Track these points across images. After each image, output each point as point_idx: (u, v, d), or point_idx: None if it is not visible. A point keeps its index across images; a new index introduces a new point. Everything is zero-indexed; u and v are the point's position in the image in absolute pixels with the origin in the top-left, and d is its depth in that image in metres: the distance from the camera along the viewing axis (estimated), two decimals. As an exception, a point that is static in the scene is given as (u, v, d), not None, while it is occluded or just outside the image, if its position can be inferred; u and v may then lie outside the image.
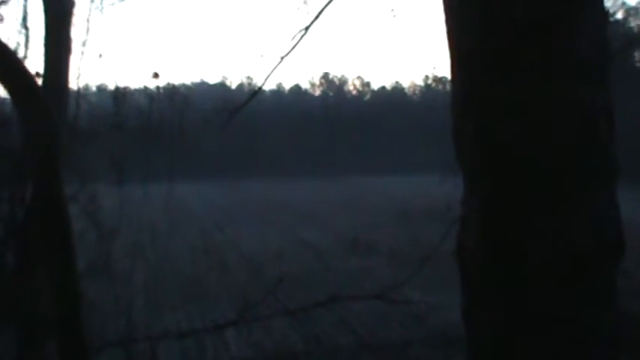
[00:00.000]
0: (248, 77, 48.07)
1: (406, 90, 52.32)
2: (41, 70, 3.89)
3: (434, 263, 5.37)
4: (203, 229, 15.68)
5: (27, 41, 3.76)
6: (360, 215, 17.83)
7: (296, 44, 3.31)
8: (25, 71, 2.74)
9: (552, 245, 1.16)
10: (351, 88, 51.58)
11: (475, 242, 1.22)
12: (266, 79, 3.81)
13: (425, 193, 22.86)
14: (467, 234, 1.26)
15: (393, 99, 49.82)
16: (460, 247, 1.27)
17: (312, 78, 53.11)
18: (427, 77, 50.73)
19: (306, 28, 3.32)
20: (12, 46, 3.57)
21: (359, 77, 53.15)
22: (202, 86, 46.81)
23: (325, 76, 51.17)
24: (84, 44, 4.20)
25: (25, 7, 3.86)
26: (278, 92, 50.10)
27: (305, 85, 51.52)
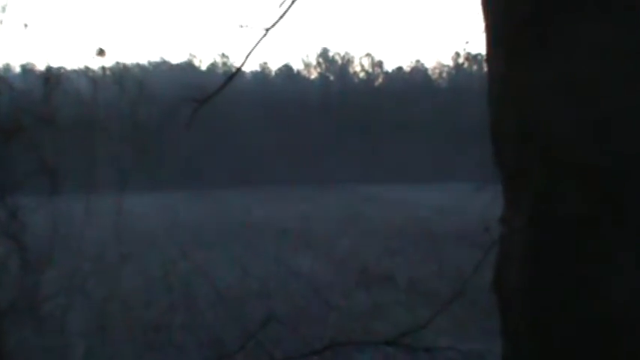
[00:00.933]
0: (222, 55, 48.41)
1: (430, 72, 52.46)
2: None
3: (466, 300, 5.35)
4: (164, 255, 15.74)
5: None
6: (369, 237, 18.06)
7: (285, 11, 3.20)
8: None
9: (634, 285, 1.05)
10: (358, 69, 51.73)
11: (518, 273, 1.16)
12: (246, 57, 3.62)
13: (454, 208, 23.48)
14: (508, 262, 1.20)
15: (412, 84, 49.99)
16: (499, 279, 1.21)
17: (307, 56, 52.58)
18: (457, 55, 50.74)
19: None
20: None
21: (368, 55, 52.33)
22: (162, 67, 47.12)
23: (324, 53, 50.97)
24: (3, 10, 4.08)
25: None
26: (262, 75, 50.18)
27: (297, 66, 51.65)
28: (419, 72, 52.69)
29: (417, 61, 53.28)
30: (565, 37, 1.16)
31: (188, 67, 47.82)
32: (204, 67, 48.45)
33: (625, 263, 1.09)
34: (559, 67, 1.18)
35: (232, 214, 25.47)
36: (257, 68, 50.18)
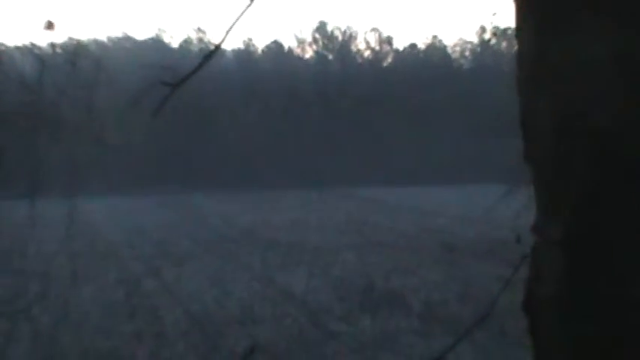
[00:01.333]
0: (198, 30, 48.72)
1: (449, 50, 52.32)
2: None
3: (492, 324, 5.38)
4: (127, 272, 15.76)
5: None
6: (375, 250, 18.18)
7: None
8: None
9: None
10: (362, 47, 51.53)
11: (554, 293, 1.15)
12: (227, 33, 3.61)
13: (478, 216, 23.73)
14: (542, 279, 1.18)
15: (428, 65, 49.96)
16: (531, 299, 1.19)
17: (301, 32, 53.26)
18: (483, 30, 50.97)
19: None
20: None
21: (374, 30, 52.59)
22: (125, 44, 47.11)
23: (321, 28, 51.02)
24: None
25: None
26: (246, 54, 50.35)
27: (289, 43, 51.55)
28: (436, 50, 52.81)
29: (434, 38, 53.54)
30: None
31: (156, 44, 47.93)
32: (175, 45, 48.81)
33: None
34: (614, 37, 1.12)
35: (210, 223, 25.72)
36: (240, 46, 50.47)
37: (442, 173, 41.90)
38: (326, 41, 51.55)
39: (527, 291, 1.35)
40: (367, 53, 52.46)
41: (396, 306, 11.82)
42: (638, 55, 1.11)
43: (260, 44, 52.91)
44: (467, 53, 53.48)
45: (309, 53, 51.92)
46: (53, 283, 13.82)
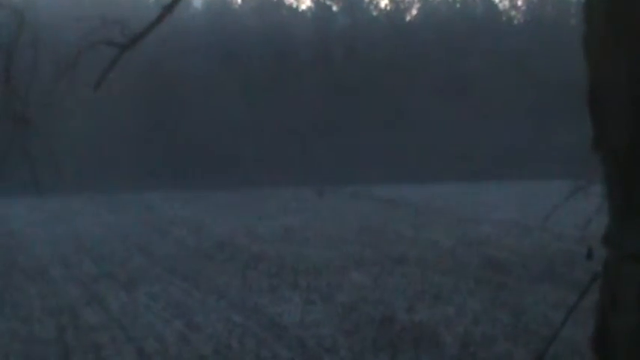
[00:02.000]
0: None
1: (497, 3, 52.58)
2: None
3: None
4: (60, 299, 15.67)
5: None
6: (397, 268, 18.18)
7: None
8: None
9: None
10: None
11: (635, 323, 1.07)
12: None
13: (531, 223, 23.80)
14: (618, 306, 1.11)
15: (466, 20, 50.15)
16: (603, 332, 1.15)
17: (295, -26, 52.26)
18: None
19: None
20: None
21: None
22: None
23: (322, -32, 51.98)
24: None
25: None
26: (221, 5, 50.69)
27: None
28: (476, 2, 52.98)
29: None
30: None
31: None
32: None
33: None
34: None
35: (172, 232, 25.67)
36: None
37: (484, 165, 41.75)
38: (330, -12, 51.50)
39: (599, 322, 1.33)
40: (385, 3, 52.62)
41: (423, 345, 11.70)
42: None
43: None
44: (519, 3, 53.48)
45: (305, 3, 52.17)
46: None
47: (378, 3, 52.49)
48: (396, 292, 15.36)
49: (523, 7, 53.39)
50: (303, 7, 52.37)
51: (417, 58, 47.18)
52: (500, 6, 53.38)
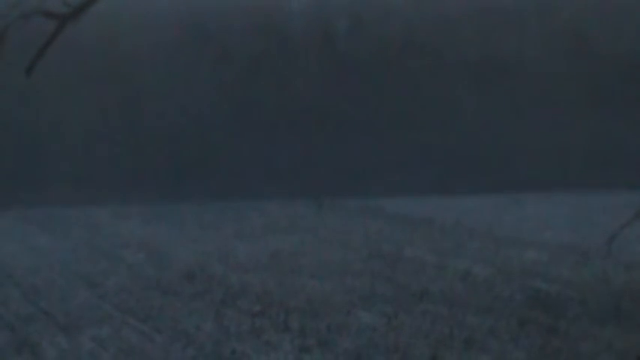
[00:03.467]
0: None
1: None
2: None
3: None
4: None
5: None
6: (417, 306, 18.12)
7: None
8: None
9: None
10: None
11: None
12: None
13: (595, 244, 23.63)
14: None
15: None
16: None
17: None
18: None
19: None
20: None
21: None
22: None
23: None
24: None
25: None
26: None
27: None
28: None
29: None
30: None
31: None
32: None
33: None
34: None
35: (125, 258, 25.60)
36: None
37: (529, 171, 41.59)
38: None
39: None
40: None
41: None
42: None
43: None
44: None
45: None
46: None
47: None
48: (415, 336, 15.22)
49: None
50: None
51: (442, 33, 46.38)
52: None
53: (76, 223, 33.55)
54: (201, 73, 44.52)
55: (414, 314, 17.13)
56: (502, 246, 25.94)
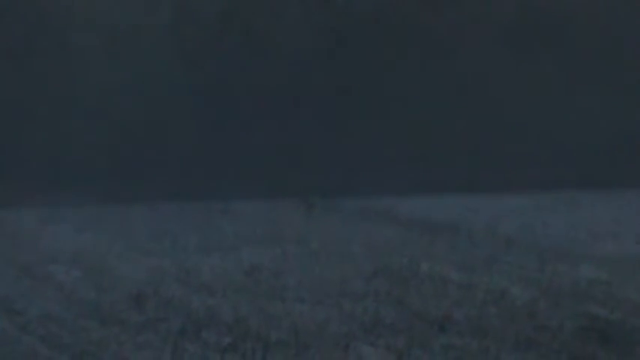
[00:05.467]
0: None
1: None
2: None
3: None
4: None
5: None
6: (435, 338, 17.37)
7: None
8: None
9: None
10: None
11: None
12: None
13: None
14: None
15: None
16: None
17: None
18: None
19: None
20: None
21: None
22: None
23: None
24: None
25: None
26: None
27: None
28: None
29: None
30: None
31: None
32: None
33: None
34: None
35: (59, 276, 24.69)
36: None
37: (581, 165, 41.70)
38: None
39: None
40: None
41: None
42: None
43: None
44: None
45: None
46: None
47: None
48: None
49: None
50: None
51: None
52: None
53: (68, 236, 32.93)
54: (155, 39, 44.50)
55: (432, 349, 16.38)
56: (548, 260, 25.95)
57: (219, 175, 41.07)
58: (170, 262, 26.84)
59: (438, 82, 44.79)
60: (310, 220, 35.77)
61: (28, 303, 21.26)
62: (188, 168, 42.12)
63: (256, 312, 19.83)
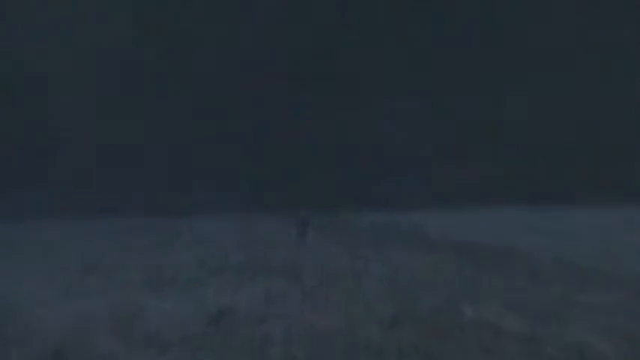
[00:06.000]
0: None
1: None
2: None
3: None
4: None
5: None
6: None
7: None
8: None
9: None
10: None
11: None
12: None
13: None
14: None
15: None
16: None
17: None
18: None
19: None
20: None
21: None
22: None
23: None
24: None
25: None
26: None
27: None
28: None
29: None
30: None
31: None
32: None
33: None
34: None
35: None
36: None
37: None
38: None
39: None
40: None
41: None
42: None
43: None
44: None
45: None
46: None
47: None
48: None
49: None
50: None
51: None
52: None
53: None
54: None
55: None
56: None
57: (177, 183, 40.34)
58: (104, 303, 23.69)
59: (465, 63, 46.15)
60: (304, 241, 33.06)
61: None
62: (149, 173, 41.98)
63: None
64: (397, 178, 41.19)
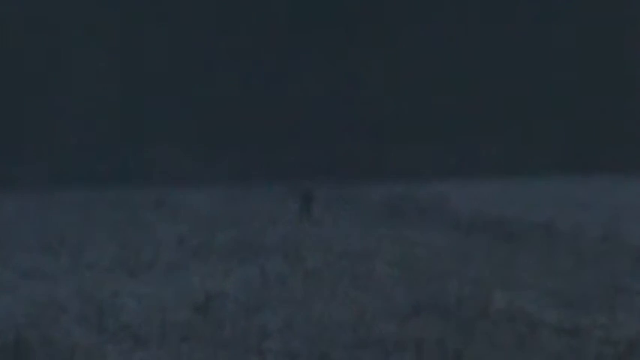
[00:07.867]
0: None
1: None
2: None
3: None
4: None
5: None
6: None
7: None
8: None
9: None
10: None
11: None
12: None
13: None
14: None
15: None
16: None
17: None
18: None
19: None
20: None
21: None
22: None
23: None
24: None
25: None
26: None
27: None
28: None
29: None
30: None
31: None
32: None
33: None
34: None
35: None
36: None
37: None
38: None
39: None
40: None
41: None
42: None
43: None
44: None
45: None
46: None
47: None
48: None
49: None
50: None
51: None
52: None
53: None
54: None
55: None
56: None
57: (153, 147, 40.67)
58: (70, 288, 23.90)
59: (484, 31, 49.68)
60: (308, 220, 33.44)
61: None
62: (98, 135, 41.68)
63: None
64: (416, 143, 41.21)
